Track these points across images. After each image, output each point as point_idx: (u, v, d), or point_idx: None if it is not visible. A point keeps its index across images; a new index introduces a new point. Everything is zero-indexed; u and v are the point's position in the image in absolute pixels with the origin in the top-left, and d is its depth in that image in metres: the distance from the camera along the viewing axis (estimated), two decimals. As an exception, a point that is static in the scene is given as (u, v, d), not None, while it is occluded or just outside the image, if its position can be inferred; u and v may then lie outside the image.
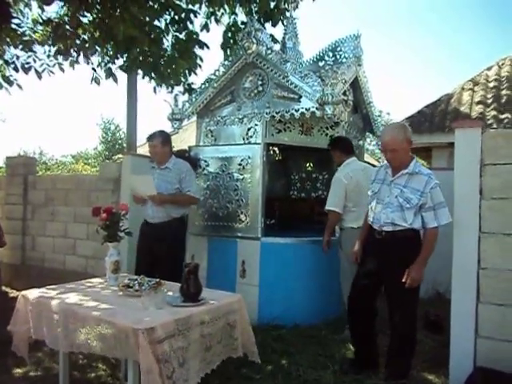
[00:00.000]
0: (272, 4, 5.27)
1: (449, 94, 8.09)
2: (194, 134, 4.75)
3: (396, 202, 2.59)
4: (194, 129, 4.90)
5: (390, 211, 2.60)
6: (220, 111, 4.34)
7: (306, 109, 3.71)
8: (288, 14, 5.12)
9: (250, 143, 4.04)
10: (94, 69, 5.50)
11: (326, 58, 4.44)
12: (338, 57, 4.33)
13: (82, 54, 5.29)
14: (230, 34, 5.66)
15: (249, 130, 4.07)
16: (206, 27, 5.56)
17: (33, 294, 2.51)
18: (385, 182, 2.71)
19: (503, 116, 6.77)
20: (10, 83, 5.33)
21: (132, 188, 3.72)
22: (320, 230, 3.79)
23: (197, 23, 7.58)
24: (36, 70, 5.29)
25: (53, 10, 6.59)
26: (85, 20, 5.07)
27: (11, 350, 2.58)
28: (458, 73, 47.11)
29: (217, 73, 4.24)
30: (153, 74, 5.52)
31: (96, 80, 5.50)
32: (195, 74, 5.74)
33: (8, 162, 6.18)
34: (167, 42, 5.46)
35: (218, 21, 5.67)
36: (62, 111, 52.62)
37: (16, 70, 5.27)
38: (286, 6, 5.24)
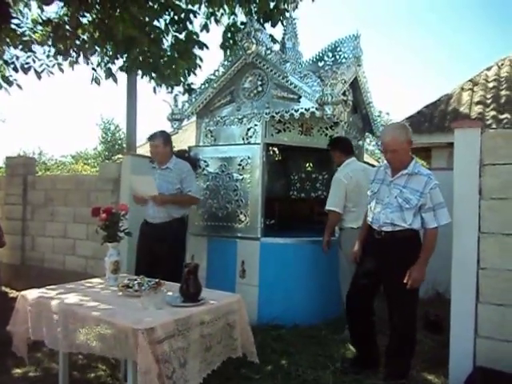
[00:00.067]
0: (271, 4, 5.26)
1: (448, 94, 8.10)
2: (193, 134, 4.76)
3: (395, 203, 2.59)
4: (193, 129, 4.90)
5: (390, 211, 2.61)
6: (220, 111, 4.34)
7: (305, 109, 3.72)
8: (287, 14, 5.12)
9: (249, 143, 4.05)
10: (93, 69, 5.51)
11: (326, 58, 4.44)
12: (337, 57, 4.33)
13: (81, 54, 5.28)
14: (229, 35, 5.65)
15: (248, 130, 4.08)
16: (205, 27, 5.55)
17: (32, 294, 2.51)
18: (384, 183, 2.71)
19: (502, 116, 6.77)
20: (10, 83, 5.32)
21: (133, 188, 3.70)
22: (320, 230, 3.79)
23: (196, 23, 7.61)
24: (35, 71, 5.28)
25: (52, 11, 6.58)
26: (84, 20, 5.07)
27: (11, 351, 2.58)
28: (457, 73, 47.10)
29: (216, 73, 4.24)
30: (152, 74, 5.52)
31: (96, 80, 5.49)
32: (195, 74, 5.73)
33: (8, 162, 6.18)
34: (167, 43, 5.45)
35: (217, 21, 5.66)
36: (62, 111, 52.55)
37: (15, 70, 5.26)
38: (286, 6, 5.24)
